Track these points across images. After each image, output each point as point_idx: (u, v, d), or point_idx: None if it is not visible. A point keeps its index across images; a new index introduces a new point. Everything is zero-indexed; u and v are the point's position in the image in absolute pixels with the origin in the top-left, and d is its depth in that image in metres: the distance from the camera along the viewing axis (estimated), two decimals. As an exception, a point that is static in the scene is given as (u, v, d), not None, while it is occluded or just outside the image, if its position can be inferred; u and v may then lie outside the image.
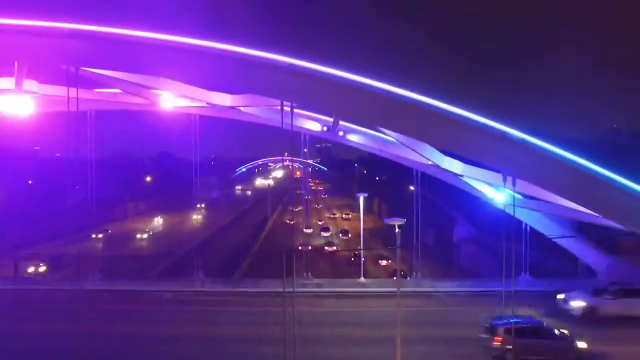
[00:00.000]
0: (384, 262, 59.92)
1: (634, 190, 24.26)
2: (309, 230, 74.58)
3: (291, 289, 26.21)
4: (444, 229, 70.22)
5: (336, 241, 75.74)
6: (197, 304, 31.32)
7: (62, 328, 25.79)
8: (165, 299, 32.05)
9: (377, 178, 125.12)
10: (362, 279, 35.51)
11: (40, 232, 70.70)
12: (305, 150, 43.97)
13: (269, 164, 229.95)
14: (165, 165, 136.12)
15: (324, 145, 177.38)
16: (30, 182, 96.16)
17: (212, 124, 50.86)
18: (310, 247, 55.52)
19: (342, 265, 60.87)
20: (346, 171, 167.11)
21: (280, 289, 25.80)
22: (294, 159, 51.47)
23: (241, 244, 76.54)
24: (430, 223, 65.01)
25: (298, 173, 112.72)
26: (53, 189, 78.13)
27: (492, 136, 23.94)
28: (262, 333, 24.92)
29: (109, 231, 78.25)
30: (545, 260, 39.87)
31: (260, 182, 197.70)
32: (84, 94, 29.29)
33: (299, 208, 75.10)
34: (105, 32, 22.74)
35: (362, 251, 40.15)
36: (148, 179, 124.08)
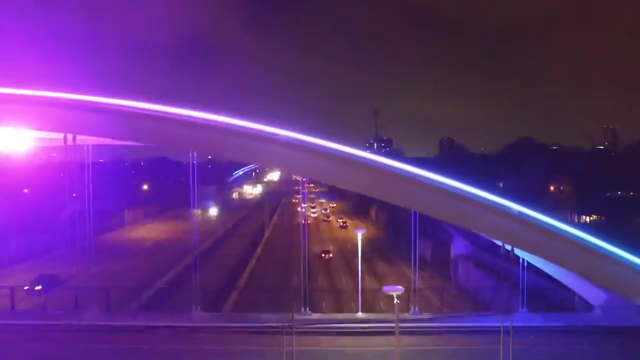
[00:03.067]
0: (341, 221, 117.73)
1: (635, 264, 24.29)
2: (304, 205, 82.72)
3: (290, 324, 26.36)
4: (441, 243, 70.38)
5: (319, 214, 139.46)
6: (194, 341, 30.85)
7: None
8: (160, 337, 31.09)
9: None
10: (360, 314, 35.73)
11: (34, 244, 70.33)
12: None
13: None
14: (163, 170, 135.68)
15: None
16: (25, 190, 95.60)
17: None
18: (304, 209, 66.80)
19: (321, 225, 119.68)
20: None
21: (277, 324, 25.84)
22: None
23: (235, 261, 76.09)
24: (427, 236, 65.22)
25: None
26: (49, 197, 77.21)
27: (485, 207, 24.02)
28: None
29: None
30: (543, 291, 39.87)
31: (253, 188, 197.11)
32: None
33: (298, 197, 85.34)
34: (102, 102, 22.73)
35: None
36: (145, 187, 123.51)
